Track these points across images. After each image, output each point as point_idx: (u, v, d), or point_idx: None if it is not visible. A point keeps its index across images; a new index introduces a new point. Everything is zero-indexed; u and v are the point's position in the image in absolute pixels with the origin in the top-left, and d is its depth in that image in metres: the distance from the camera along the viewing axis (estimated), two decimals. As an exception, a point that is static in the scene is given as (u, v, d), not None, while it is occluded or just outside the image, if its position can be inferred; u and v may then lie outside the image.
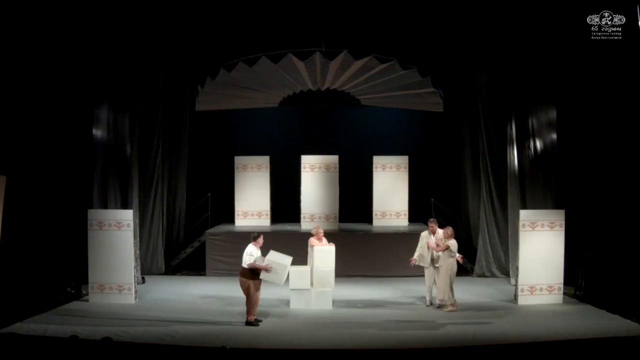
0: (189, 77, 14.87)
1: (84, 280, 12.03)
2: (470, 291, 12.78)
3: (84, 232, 11.78)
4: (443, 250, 11.03)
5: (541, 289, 11.60)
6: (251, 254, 10.17)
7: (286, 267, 10.42)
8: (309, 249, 11.74)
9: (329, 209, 15.37)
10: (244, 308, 10.81)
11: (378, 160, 16.22)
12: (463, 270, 15.06)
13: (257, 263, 10.14)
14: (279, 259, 10.37)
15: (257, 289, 10.29)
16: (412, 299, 12.07)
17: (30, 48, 11.38)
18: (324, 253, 11.41)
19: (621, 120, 11.58)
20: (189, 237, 16.28)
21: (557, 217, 11.66)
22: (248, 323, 10.17)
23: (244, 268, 10.22)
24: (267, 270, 10.18)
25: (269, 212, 16.07)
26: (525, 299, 11.57)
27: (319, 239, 11.75)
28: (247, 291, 10.20)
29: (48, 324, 9.87)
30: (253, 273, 10.20)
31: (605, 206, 11.89)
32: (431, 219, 11.75)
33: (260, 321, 10.28)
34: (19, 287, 11.10)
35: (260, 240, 10.40)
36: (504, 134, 13.24)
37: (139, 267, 12.53)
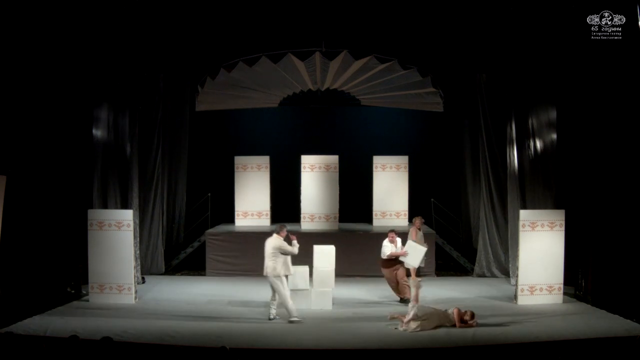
0: (189, 77, 14.87)
1: (84, 280, 12.02)
2: (470, 291, 12.77)
3: (84, 232, 11.77)
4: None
5: (541, 289, 11.59)
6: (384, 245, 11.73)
7: (423, 251, 11.67)
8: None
9: (329, 209, 15.34)
10: (244, 308, 10.81)
11: (378, 160, 16.18)
12: (463, 270, 15.10)
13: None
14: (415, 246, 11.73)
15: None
16: (412, 299, 12.05)
17: (30, 48, 11.37)
18: (323, 253, 11.41)
19: (621, 120, 11.57)
20: (189, 237, 16.28)
21: (557, 217, 11.65)
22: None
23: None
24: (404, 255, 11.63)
25: (269, 212, 16.03)
26: (525, 299, 11.56)
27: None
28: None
29: (48, 324, 9.85)
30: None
31: (605, 206, 11.87)
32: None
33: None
34: (19, 287, 11.10)
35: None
36: (504, 134, 13.23)
37: (139, 267, 12.51)
